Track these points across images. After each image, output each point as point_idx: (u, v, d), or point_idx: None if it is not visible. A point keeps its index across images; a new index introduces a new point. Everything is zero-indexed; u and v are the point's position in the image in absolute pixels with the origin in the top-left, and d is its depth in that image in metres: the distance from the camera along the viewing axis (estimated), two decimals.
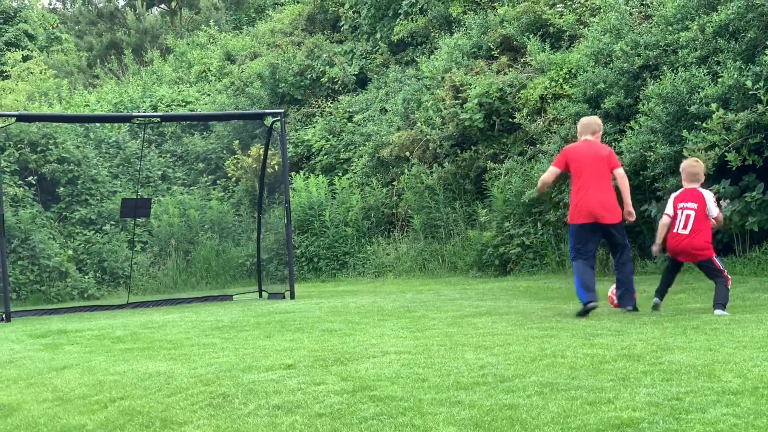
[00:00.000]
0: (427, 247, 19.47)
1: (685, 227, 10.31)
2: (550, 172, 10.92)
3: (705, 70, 14.05)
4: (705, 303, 11.00)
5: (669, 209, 10.46)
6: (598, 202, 10.51)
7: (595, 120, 11.24)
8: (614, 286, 10.92)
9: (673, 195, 10.59)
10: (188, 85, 30.03)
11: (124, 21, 41.04)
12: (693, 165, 10.63)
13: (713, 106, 13.26)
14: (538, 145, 17.50)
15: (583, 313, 10.18)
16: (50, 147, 21.65)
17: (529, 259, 16.96)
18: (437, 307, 12.08)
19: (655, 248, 10.79)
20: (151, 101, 27.41)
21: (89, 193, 22.00)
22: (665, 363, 6.71)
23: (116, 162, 23.56)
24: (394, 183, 21.41)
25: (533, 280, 15.72)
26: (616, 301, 10.78)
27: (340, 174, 22.93)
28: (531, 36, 19.25)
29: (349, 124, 23.95)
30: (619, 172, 10.70)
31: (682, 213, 10.37)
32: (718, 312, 9.96)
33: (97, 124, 23.63)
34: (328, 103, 25.14)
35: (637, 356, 7.06)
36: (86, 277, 20.27)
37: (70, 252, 20.59)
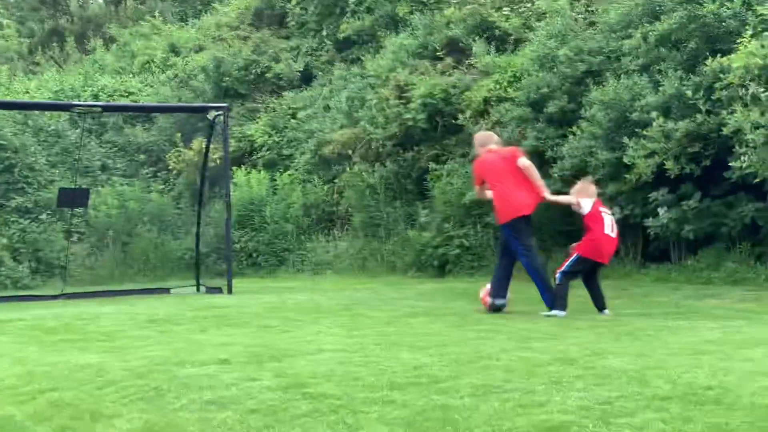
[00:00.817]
0: (366, 246, 19.47)
1: (612, 230, 10.54)
2: (478, 191, 11.49)
3: (647, 78, 14.20)
4: (640, 309, 11.11)
5: (588, 208, 10.63)
6: (523, 196, 10.93)
7: (491, 133, 12.14)
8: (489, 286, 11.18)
9: (590, 199, 10.74)
10: (131, 75, 29.73)
11: (67, 8, 40.53)
12: (593, 185, 11.12)
13: (654, 114, 13.41)
14: None
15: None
16: None
17: (468, 260, 17.01)
18: (374, 306, 12.08)
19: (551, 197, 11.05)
20: (93, 90, 27.11)
21: (26, 182, 21.70)
22: (598, 368, 6.76)
23: (55, 151, 23.28)
24: (336, 181, 21.38)
25: (471, 281, 15.77)
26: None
27: (282, 170, 22.83)
28: (477, 38, 19.31)
29: (292, 120, 23.87)
30: (522, 161, 11.06)
31: (606, 216, 10.60)
32: (608, 312, 10.32)
33: (37, 112, 23.33)
34: (272, 98, 25.04)
35: (571, 360, 7.10)
36: (21, 266, 19.97)
37: (5, 240, 20.29)
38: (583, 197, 10.73)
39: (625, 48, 14.90)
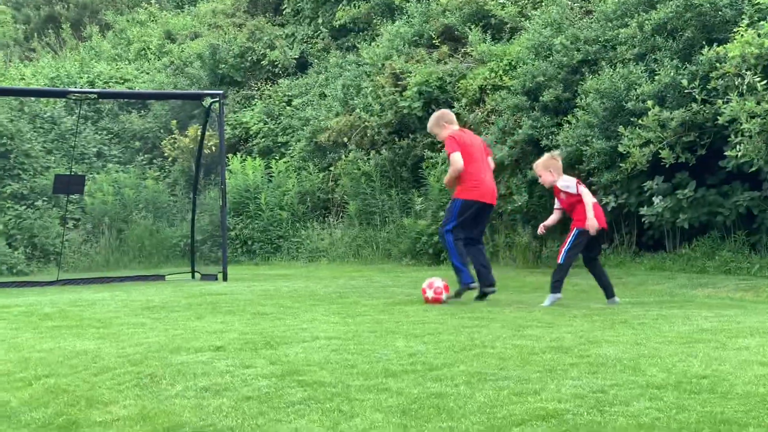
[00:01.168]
0: (361, 234, 19.49)
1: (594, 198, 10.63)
2: (459, 159, 11.05)
3: (642, 67, 14.20)
4: (635, 297, 11.12)
5: (574, 188, 10.59)
6: (492, 185, 11.16)
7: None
8: (439, 281, 11.08)
9: (574, 179, 10.67)
10: (127, 62, 29.71)
11: None
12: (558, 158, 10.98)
13: (649, 103, 13.40)
14: None
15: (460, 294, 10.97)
16: None
17: None
18: (369, 294, 12.09)
19: (593, 224, 10.71)
20: (89, 77, 27.09)
21: (22, 168, 21.69)
22: (592, 356, 6.78)
23: (51, 137, 23.27)
24: (331, 168, 21.38)
25: None
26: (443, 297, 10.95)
27: (277, 157, 22.84)
28: (472, 26, 19.30)
29: (287, 107, 23.87)
30: (492, 159, 11.49)
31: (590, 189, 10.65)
32: (617, 300, 10.45)
33: (33, 99, 23.31)
34: (268, 86, 25.03)
35: (566, 349, 7.12)
36: (16, 252, 19.98)
37: (0, 227, 20.30)
38: (556, 173, 10.68)
39: (621, 37, 14.89)
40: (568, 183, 10.56)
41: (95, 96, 18.59)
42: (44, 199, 21.25)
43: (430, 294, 10.87)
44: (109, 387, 6.85)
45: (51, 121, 23.53)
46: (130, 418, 6.11)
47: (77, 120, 22.62)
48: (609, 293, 10.62)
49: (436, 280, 10.99)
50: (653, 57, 14.31)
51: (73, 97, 17.57)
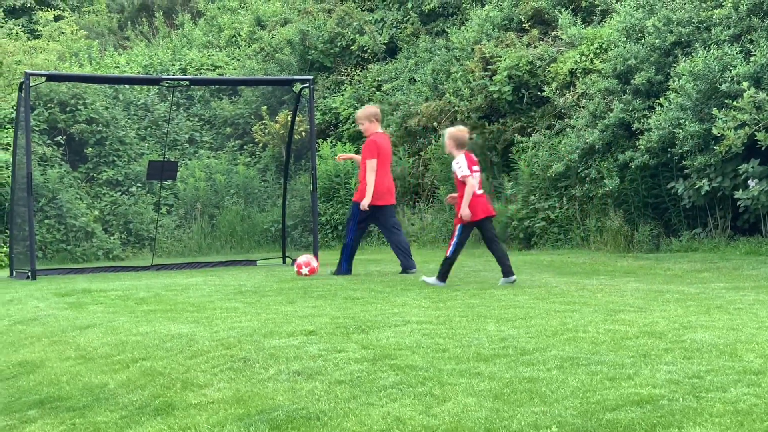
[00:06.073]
0: (452, 218, 19.43)
1: (480, 188, 10.80)
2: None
3: (737, 48, 13.94)
4: (730, 282, 10.95)
5: (466, 170, 10.64)
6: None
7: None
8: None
9: (462, 158, 10.69)
10: (218, 49, 29.99)
11: None
12: (465, 131, 11.39)
13: (744, 84, 13.16)
14: (566, 120, 17.43)
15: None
16: (79, 107, 21.71)
17: (554, 233, 16.92)
18: (460, 279, 12.08)
19: (466, 214, 10.94)
20: (181, 65, 27.40)
21: (117, 155, 22.07)
22: (687, 341, 6.69)
23: (144, 124, 23.62)
24: (421, 153, 21.37)
25: (557, 254, 15.69)
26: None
27: None
28: (563, 9, 19.12)
29: (377, 93, 23.90)
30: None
31: (477, 174, 11.03)
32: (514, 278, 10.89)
33: (127, 86, 23.68)
34: (357, 71, 25.08)
35: (659, 333, 7.04)
36: (112, 238, 20.35)
37: (97, 212, 20.68)
38: (454, 149, 10.83)
39: (716, 18, 14.64)
40: (460, 165, 10.75)
41: (187, 83, 18.82)
42: (138, 185, 21.60)
43: (305, 270, 12.94)
44: (204, 370, 6.95)
45: (144, 109, 23.88)
46: (224, 400, 6.20)
47: (170, 107, 22.91)
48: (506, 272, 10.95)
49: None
50: (749, 38, 14.05)
51: (166, 85, 17.80)
